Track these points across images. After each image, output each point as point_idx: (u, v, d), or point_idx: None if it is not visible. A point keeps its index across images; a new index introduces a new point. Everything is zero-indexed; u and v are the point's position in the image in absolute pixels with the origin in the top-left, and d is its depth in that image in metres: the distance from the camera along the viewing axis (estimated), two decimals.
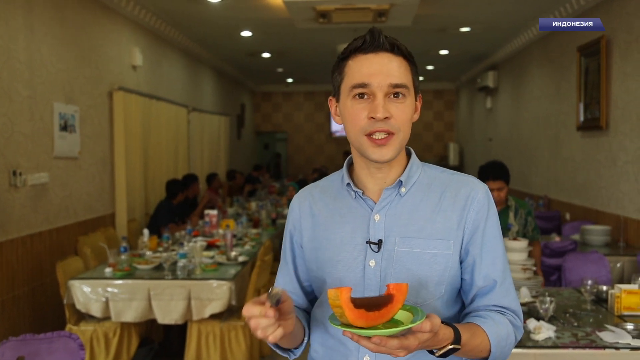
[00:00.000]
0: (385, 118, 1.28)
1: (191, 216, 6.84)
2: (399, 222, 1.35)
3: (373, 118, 1.28)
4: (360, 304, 1.11)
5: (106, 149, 6.05)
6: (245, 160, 13.87)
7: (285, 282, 1.53)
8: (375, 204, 1.38)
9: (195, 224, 6.49)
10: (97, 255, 4.82)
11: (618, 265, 4.75)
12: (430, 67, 12.00)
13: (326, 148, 15.74)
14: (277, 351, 1.44)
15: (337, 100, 1.39)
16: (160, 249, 4.97)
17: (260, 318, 1.12)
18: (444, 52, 10.16)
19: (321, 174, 11.65)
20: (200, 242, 5.01)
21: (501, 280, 1.36)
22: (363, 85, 1.29)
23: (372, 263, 1.33)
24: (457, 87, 14.85)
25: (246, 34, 8.46)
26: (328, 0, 6.34)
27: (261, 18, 7.51)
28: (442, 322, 1.16)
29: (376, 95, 1.28)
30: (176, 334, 4.68)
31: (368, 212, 1.37)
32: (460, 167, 13.79)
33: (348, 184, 1.40)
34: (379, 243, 1.34)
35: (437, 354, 1.20)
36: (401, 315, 1.16)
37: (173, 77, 8.44)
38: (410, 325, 1.07)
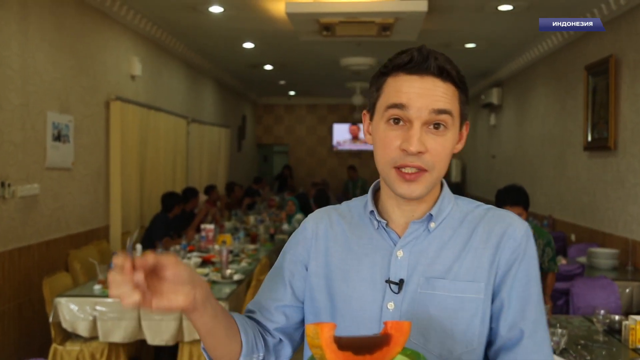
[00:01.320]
0: (419, 152, 1.12)
1: (187, 230, 6.67)
2: (424, 261, 1.19)
3: (405, 150, 1.12)
4: (347, 344, 0.91)
5: (101, 160, 5.89)
6: (245, 173, 13.71)
7: (271, 289, 1.31)
8: (400, 238, 1.22)
9: (191, 238, 6.34)
10: (87, 270, 4.66)
11: (627, 290, 4.59)
12: None
13: (328, 162, 15.60)
14: None
15: (371, 119, 1.23)
16: None
17: (116, 273, 0.90)
18: None
19: (321, 189, 11.52)
20: (195, 258, 4.85)
21: (531, 332, 1.14)
22: (400, 107, 1.12)
23: (390, 306, 1.18)
24: None
25: (248, 45, 8.34)
26: (332, 13, 6.21)
27: (264, 30, 7.39)
28: None
29: (413, 123, 1.12)
30: (167, 355, 4.50)
31: (391, 247, 1.22)
32: (462, 184, 13.64)
33: (372, 212, 1.25)
34: (400, 283, 1.17)
35: None
36: None
37: (173, 87, 8.31)
38: None
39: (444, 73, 1.13)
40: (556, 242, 6.50)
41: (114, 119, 6.01)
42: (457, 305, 1.14)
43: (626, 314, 4.19)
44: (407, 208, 1.22)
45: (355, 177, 12.55)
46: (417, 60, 1.13)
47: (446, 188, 1.26)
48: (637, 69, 5.23)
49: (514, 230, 1.18)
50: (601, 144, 5.91)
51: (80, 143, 5.38)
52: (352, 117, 14.57)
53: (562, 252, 6.19)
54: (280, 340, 1.28)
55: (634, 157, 5.29)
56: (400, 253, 1.20)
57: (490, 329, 1.18)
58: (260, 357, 1.21)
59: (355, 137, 15.09)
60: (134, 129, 6.43)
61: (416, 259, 1.19)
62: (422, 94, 1.12)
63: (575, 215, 6.76)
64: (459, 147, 1.21)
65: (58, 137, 4.91)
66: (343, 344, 0.91)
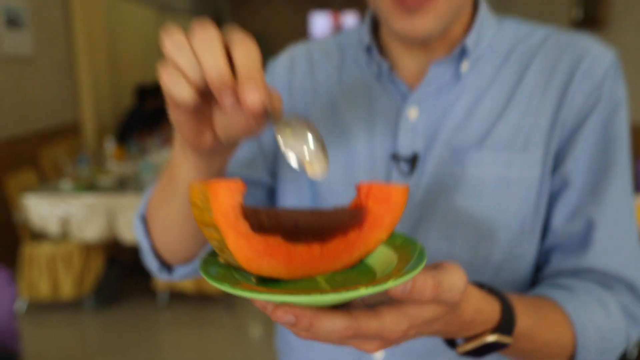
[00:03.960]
0: None
1: (163, 123, 6.35)
2: (450, 124, 0.78)
3: None
4: (272, 224, 0.49)
5: (64, 51, 5.45)
6: None
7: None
8: (411, 91, 0.81)
9: (167, 130, 6.03)
10: (57, 168, 4.38)
11: None
12: None
13: None
14: (146, 256, 0.83)
15: None
16: (129, 159, 4.53)
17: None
18: None
19: None
20: (169, 151, 4.58)
21: (608, 222, 0.74)
22: None
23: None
24: None
25: None
26: None
27: None
28: (478, 285, 0.61)
29: None
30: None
31: (397, 103, 0.82)
32: None
33: (369, 49, 0.84)
34: (414, 159, 0.79)
35: (460, 349, 0.62)
36: (382, 257, 0.55)
37: None
38: (369, 289, 0.45)
39: None
40: None
41: (75, 5, 5.50)
42: (498, 189, 0.77)
43: None
44: (422, 46, 0.80)
45: None
46: None
47: (483, 5, 0.83)
48: None
49: (591, 63, 0.77)
50: (590, 20, 5.59)
51: (39, 31, 4.93)
52: (332, 2, 13.94)
53: None
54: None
55: (626, 33, 5.01)
56: (413, 112, 0.80)
57: (546, 220, 0.80)
58: None
59: (337, 29, 14.51)
60: (100, 17, 5.95)
61: (438, 122, 0.79)
62: None
63: None
64: None
65: (12, 23, 4.47)
66: (263, 221, 0.49)
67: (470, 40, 0.78)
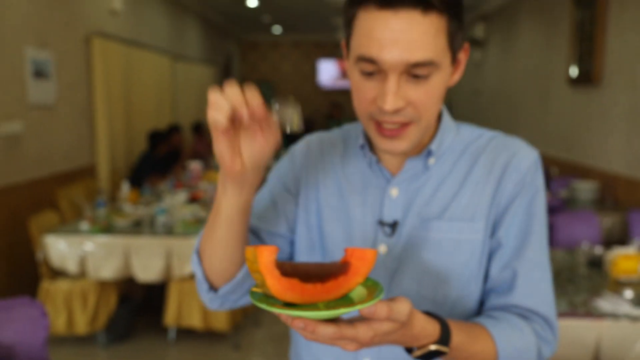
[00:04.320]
0: (398, 109, 0.94)
1: (174, 167, 6.65)
2: (420, 201, 1.07)
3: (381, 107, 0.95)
4: (291, 271, 0.80)
5: (84, 98, 5.80)
6: None
7: (264, 219, 1.15)
8: (393, 176, 1.10)
9: (178, 175, 6.33)
10: (75, 208, 4.66)
11: (607, 222, 4.67)
12: None
13: (313, 99, 15.48)
14: (199, 282, 1.08)
15: (348, 55, 1.01)
16: (142, 202, 4.81)
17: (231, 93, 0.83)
18: None
19: (305, 127, 11.46)
20: (181, 196, 4.85)
21: (526, 271, 1.03)
22: (370, 61, 0.92)
23: (383, 249, 1.07)
24: None
25: None
26: None
27: None
28: (426, 313, 0.88)
29: (388, 75, 0.92)
30: (157, 292, 4.57)
31: (383, 185, 1.10)
32: None
33: (362, 147, 1.11)
34: (394, 225, 1.07)
35: (414, 355, 0.89)
36: (359, 294, 0.85)
37: (156, 23, 8.11)
38: (348, 309, 0.75)
39: (422, 3, 0.89)
40: None
41: (95, 55, 5.88)
42: (452, 248, 1.05)
43: (607, 244, 4.29)
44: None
45: (338, 116, 11.69)
46: None
47: (446, 117, 1.12)
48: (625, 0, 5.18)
49: (519, 160, 1.06)
50: (585, 78, 5.90)
51: (63, 80, 5.28)
52: (339, 52, 14.37)
53: (545, 186, 6.27)
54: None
55: (617, 89, 5.29)
56: (394, 192, 1.09)
57: (486, 270, 1.08)
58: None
59: (344, 73, 14.86)
60: (118, 66, 6.31)
61: (412, 199, 1.08)
62: (396, 40, 0.89)
63: (558, 150, 6.81)
64: (456, 77, 1.03)
65: (39, 74, 4.81)
66: (288, 270, 0.80)
67: (433, 146, 1.08)
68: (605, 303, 2.51)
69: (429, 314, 0.89)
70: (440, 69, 0.94)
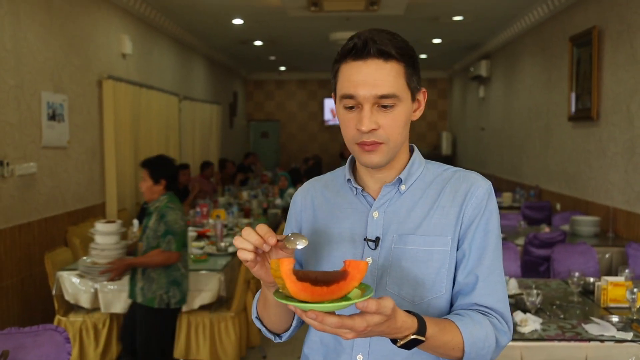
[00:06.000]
0: (372, 130, 1.25)
1: (182, 206, 6.80)
2: (397, 220, 1.34)
3: (360, 130, 1.26)
4: (304, 277, 1.06)
5: (96, 139, 6.01)
6: (237, 150, 13.83)
7: None
8: (375, 200, 1.37)
9: (186, 214, 6.47)
10: (86, 245, 4.80)
11: (607, 256, 4.77)
12: (423, 56, 11.96)
13: (319, 137, 15.71)
14: (265, 333, 1.44)
15: (335, 99, 1.36)
16: None
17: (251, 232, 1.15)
18: (436, 40, 10.13)
19: (313, 164, 11.63)
20: (191, 232, 4.99)
21: (484, 276, 1.30)
22: (350, 97, 1.26)
23: (368, 260, 1.32)
24: (450, 75, 14.82)
25: (238, 21, 8.41)
26: None
27: (252, 5, 7.45)
28: (407, 311, 1.12)
29: (363, 106, 1.25)
30: None
31: (367, 209, 1.37)
32: (452, 157, 13.80)
33: (349, 180, 1.40)
34: (377, 240, 1.33)
35: (398, 344, 1.13)
36: (355, 294, 1.10)
37: (164, 65, 8.39)
38: (347, 303, 1.03)
39: (384, 54, 1.23)
40: (542, 212, 6.70)
41: (106, 97, 6.11)
42: (426, 257, 1.29)
43: (606, 276, 4.38)
44: (379, 175, 1.38)
45: (349, 155, 12.38)
46: (358, 47, 1.24)
47: (416, 154, 1.41)
48: (619, 39, 5.36)
49: (476, 189, 1.33)
50: (585, 115, 6.06)
51: (75, 122, 5.49)
52: None
53: (547, 221, 6.37)
54: None
55: (614, 126, 5.45)
56: (375, 214, 1.35)
57: (454, 277, 1.33)
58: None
59: (334, 115, 15.08)
60: (127, 107, 6.53)
61: (390, 219, 1.34)
62: (366, 81, 1.24)
63: (560, 185, 6.93)
64: (417, 114, 1.35)
65: (53, 117, 5.02)
66: (301, 276, 1.05)
67: (403, 175, 1.36)
68: (592, 327, 2.62)
69: (408, 312, 1.13)
70: (402, 102, 1.27)
